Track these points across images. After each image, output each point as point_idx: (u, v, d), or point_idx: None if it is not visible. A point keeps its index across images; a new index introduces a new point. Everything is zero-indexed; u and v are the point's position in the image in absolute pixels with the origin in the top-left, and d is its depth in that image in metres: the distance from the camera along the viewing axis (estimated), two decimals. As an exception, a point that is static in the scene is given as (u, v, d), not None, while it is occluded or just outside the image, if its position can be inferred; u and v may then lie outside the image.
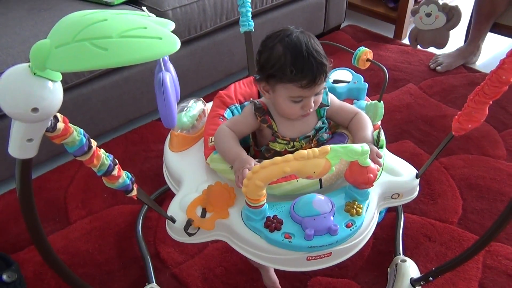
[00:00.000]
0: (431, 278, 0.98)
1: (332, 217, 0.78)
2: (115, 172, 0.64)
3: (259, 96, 1.06)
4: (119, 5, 1.51)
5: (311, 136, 0.93)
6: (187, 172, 0.93)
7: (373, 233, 1.21)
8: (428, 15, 1.92)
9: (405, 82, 1.86)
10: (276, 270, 1.08)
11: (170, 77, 0.88)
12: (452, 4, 1.91)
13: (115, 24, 0.46)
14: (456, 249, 1.18)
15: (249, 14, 1.11)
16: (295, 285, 1.11)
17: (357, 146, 0.70)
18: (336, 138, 0.95)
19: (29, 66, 0.46)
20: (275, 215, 0.79)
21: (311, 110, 0.88)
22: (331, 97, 0.96)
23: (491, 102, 0.72)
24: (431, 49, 2.06)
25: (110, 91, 1.50)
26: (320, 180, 0.84)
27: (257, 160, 0.84)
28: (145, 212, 1.31)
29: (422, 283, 1.04)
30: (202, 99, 1.06)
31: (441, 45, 1.98)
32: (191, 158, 0.96)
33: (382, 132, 0.95)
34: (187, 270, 1.15)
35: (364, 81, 1.05)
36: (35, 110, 0.45)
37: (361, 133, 0.90)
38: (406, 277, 1.05)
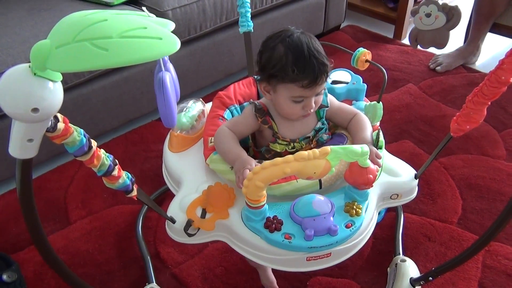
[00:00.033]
0: (430, 278, 0.98)
1: (331, 218, 0.78)
2: (115, 173, 0.64)
3: (259, 97, 1.06)
4: (119, 5, 1.51)
5: (311, 137, 0.93)
6: (187, 172, 0.93)
7: (373, 233, 1.21)
8: (428, 15, 1.93)
9: (404, 82, 1.86)
10: (275, 270, 1.08)
11: (170, 77, 0.88)
12: (452, 4, 1.91)
13: (115, 24, 0.46)
14: (455, 249, 1.19)
15: (249, 15, 1.11)
16: (295, 285, 1.11)
17: (357, 147, 0.71)
18: (336, 139, 0.95)
19: (29, 66, 0.46)
20: (275, 216, 0.79)
21: (312, 110, 0.88)
22: (330, 98, 0.97)
23: (489, 103, 0.73)
24: (431, 49, 2.06)
25: (110, 91, 1.50)
26: (320, 181, 0.84)
27: (257, 160, 0.84)
28: (145, 212, 1.31)
29: (421, 283, 1.04)
30: (201, 99, 1.06)
31: (441, 45, 1.98)
32: (190, 159, 0.96)
33: (381, 133, 0.95)
34: (187, 270, 1.16)
35: (363, 82, 1.06)
36: (35, 110, 0.46)
37: (361, 134, 0.90)
38: (405, 277, 1.05)
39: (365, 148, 0.72)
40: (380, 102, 0.95)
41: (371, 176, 0.77)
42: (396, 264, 1.09)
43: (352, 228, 0.78)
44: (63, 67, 0.45)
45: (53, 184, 1.43)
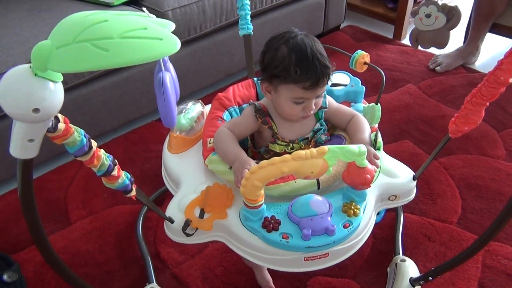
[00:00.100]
0: (430, 278, 0.99)
1: (329, 218, 0.78)
2: (114, 173, 0.64)
3: (258, 99, 1.07)
4: (119, 5, 1.51)
5: (309, 138, 0.94)
6: (186, 173, 0.93)
7: (373, 233, 1.22)
8: (428, 16, 1.93)
9: (404, 83, 1.86)
10: (275, 270, 1.08)
11: (170, 77, 0.88)
12: (452, 4, 1.92)
13: (115, 25, 0.46)
14: (455, 249, 1.19)
15: (248, 17, 1.11)
16: (295, 284, 1.11)
17: (354, 147, 0.71)
18: (334, 140, 0.95)
19: (30, 67, 0.46)
20: (273, 216, 0.79)
21: (312, 112, 0.89)
22: (329, 99, 0.97)
23: (488, 104, 0.73)
24: (431, 49, 2.06)
25: (110, 91, 1.50)
26: (318, 181, 0.84)
27: (256, 161, 0.84)
28: (145, 212, 1.31)
29: (421, 282, 1.05)
30: (200, 101, 1.07)
31: (441, 45, 1.99)
32: (189, 160, 0.96)
33: (379, 134, 0.95)
34: (187, 270, 1.16)
35: (362, 84, 1.06)
36: (36, 110, 0.46)
37: (359, 135, 0.91)
38: (405, 276, 1.05)
39: (363, 148, 0.72)
40: (379, 104, 0.95)
41: (368, 176, 0.77)
42: (396, 264, 1.09)
43: (350, 228, 0.78)
44: (64, 67, 0.45)
45: (53, 184, 1.43)
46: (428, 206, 1.31)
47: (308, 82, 0.82)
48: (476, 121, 0.76)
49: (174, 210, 0.84)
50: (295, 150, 0.91)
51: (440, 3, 1.90)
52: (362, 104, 1.04)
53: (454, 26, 1.91)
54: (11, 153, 0.51)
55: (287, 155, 0.67)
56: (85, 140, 0.57)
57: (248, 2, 1.10)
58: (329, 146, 0.68)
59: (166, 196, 1.37)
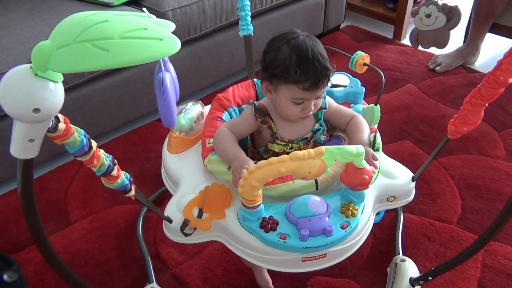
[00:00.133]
0: (430, 278, 0.99)
1: (327, 218, 0.78)
2: (114, 173, 0.65)
3: (257, 100, 1.07)
4: (119, 6, 1.51)
5: (308, 138, 0.94)
6: (185, 173, 0.94)
7: (373, 233, 1.23)
8: (428, 16, 1.93)
9: (404, 83, 1.87)
10: (274, 271, 1.08)
11: (170, 77, 0.88)
12: (452, 4, 1.92)
13: (116, 25, 0.46)
14: (455, 249, 1.19)
15: (249, 18, 1.11)
16: (295, 284, 1.11)
17: (352, 148, 0.71)
18: (333, 140, 0.96)
19: (30, 67, 0.46)
20: (271, 216, 0.79)
21: (311, 113, 0.89)
22: (329, 100, 0.98)
23: (487, 104, 0.73)
24: (430, 49, 2.06)
25: (110, 91, 1.51)
26: (316, 182, 0.84)
27: (254, 161, 0.84)
28: (145, 212, 1.31)
29: (421, 282, 1.05)
30: (200, 101, 1.07)
31: (442, 45, 1.99)
32: (189, 160, 0.96)
33: (378, 135, 0.95)
34: (187, 270, 1.16)
35: (361, 84, 1.06)
36: (36, 110, 0.46)
37: (358, 136, 0.91)
38: (405, 276, 1.05)
39: (361, 148, 0.72)
40: (378, 105, 0.95)
41: (366, 177, 0.77)
42: (396, 264, 1.10)
43: (348, 229, 0.78)
44: (64, 67, 0.45)
45: (53, 185, 1.43)
46: (428, 206, 1.31)
47: (308, 83, 0.83)
48: (475, 122, 0.76)
49: (173, 210, 0.85)
50: (294, 150, 0.92)
51: (440, 3, 1.90)
52: (362, 105, 1.04)
53: (454, 26, 1.91)
54: (12, 153, 0.51)
55: (284, 156, 0.67)
56: (85, 140, 0.57)
57: (248, 3, 1.10)
58: (327, 146, 0.69)
59: (166, 197, 1.37)
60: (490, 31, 1.92)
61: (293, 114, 0.89)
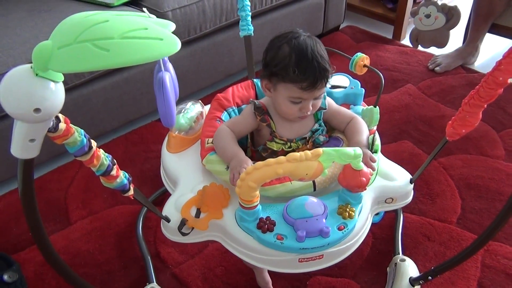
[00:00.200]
0: (430, 277, 0.99)
1: (324, 220, 0.78)
2: (113, 172, 0.65)
3: (257, 100, 1.07)
4: (119, 6, 1.51)
5: (307, 138, 0.94)
6: (183, 172, 0.94)
7: (373, 233, 1.23)
8: (428, 16, 1.93)
9: (404, 83, 1.87)
10: (274, 271, 1.09)
11: (169, 77, 0.88)
12: (451, 4, 1.92)
13: (116, 25, 0.46)
14: (455, 249, 1.19)
15: (249, 18, 1.12)
16: (295, 284, 1.12)
17: (349, 150, 0.71)
18: (332, 142, 0.96)
19: (31, 67, 0.46)
20: (268, 217, 0.79)
21: (309, 113, 0.89)
22: (329, 100, 0.98)
23: (485, 106, 0.73)
24: (430, 50, 2.07)
25: (110, 91, 1.51)
26: (314, 183, 0.84)
27: (253, 161, 0.85)
28: (146, 212, 1.32)
29: (421, 282, 1.05)
30: (200, 101, 1.07)
31: (441, 45, 1.99)
32: (188, 159, 0.97)
33: (377, 137, 0.96)
34: (187, 270, 1.16)
35: (361, 86, 1.06)
36: (37, 110, 0.46)
37: (356, 137, 0.91)
38: (405, 276, 1.05)
39: (358, 150, 0.72)
40: (377, 107, 0.96)
41: (364, 179, 0.77)
42: (396, 263, 1.10)
43: (345, 231, 0.78)
44: (65, 67, 0.45)
45: (53, 185, 1.44)
46: (428, 206, 1.31)
47: (305, 82, 0.83)
48: (473, 124, 0.76)
49: (171, 209, 0.85)
50: (293, 149, 0.92)
51: (439, 3, 1.90)
52: (361, 107, 1.04)
53: (453, 26, 1.92)
54: (12, 153, 0.52)
55: (282, 157, 0.67)
56: (85, 140, 0.58)
57: (249, 3, 1.11)
58: (324, 148, 0.69)
59: (165, 197, 1.36)
60: (489, 32, 1.93)
61: (291, 113, 0.89)
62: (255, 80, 1.09)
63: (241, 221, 0.80)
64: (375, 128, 0.97)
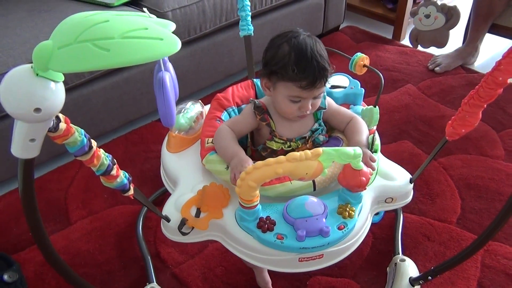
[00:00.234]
0: (430, 277, 0.99)
1: (324, 219, 0.78)
2: (113, 172, 0.65)
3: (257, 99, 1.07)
4: (119, 6, 1.51)
5: (307, 137, 0.94)
6: (183, 172, 0.94)
7: (372, 233, 1.23)
8: (427, 16, 1.93)
9: (403, 83, 1.87)
10: (274, 271, 1.09)
11: (169, 77, 0.89)
12: (451, 4, 1.92)
13: (116, 25, 0.47)
14: (455, 249, 1.19)
15: (249, 18, 1.12)
16: (295, 284, 1.12)
17: (349, 149, 0.71)
18: (331, 141, 0.96)
19: (31, 67, 0.46)
20: (268, 216, 0.79)
21: (308, 112, 0.89)
22: (329, 100, 0.98)
23: (485, 106, 0.73)
24: (430, 50, 2.07)
25: (110, 92, 1.51)
26: (314, 183, 0.85)
27: (254, 161, 0.85)
28: (146, 212, 1.32)
29: (421, 282, 1.05)
30: (200, 101, 1.07)
31: (441, 45, 1.99)
32: (187, 159, 0.97)
33: (377, 137, 0.96)
34: (187, 270, 1.16)
35: (361, 85, 1.06)
36: (37, 110, 0.46)
37: (356, 137, 0.91)
38: (405, 276, 1.06)
39: (358, 150, 0.72)
40: (377, 107, 0.96)
41: (364, 178, 0.77)
42: (396, 263, 1.10)
43: (345, 230, 0.78)
44: (65, 67, 0.45)
45: (53, 185, 1.44)
46: (428, 206, 1.31)
47: (304, 81, 0.83)
48: (473, 124, 0.76)
49: (171, 209, 0.85)
50: (292, 148, 0.92)
51: (439, 3, 1.90)
52: (361, 107, 1.04)
53: (453, 25, 1.92)
54: (13, 153, 0.52)
55: (282, 157, 0.67)
56: (85, 140, 0.58)
57: (249, 3, 1.11)
58: (324, 148, 0.69)
59: (165, 197, 1.36)
60: (489, 32, 1.93)
61: (290, 112, 0.89)
62: (255, 80, 1.09)
63: (241, 221, 0.80)
64: (374, 128, 0.97)
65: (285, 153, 0.69)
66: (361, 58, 0.98)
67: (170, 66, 0.91)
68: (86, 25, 0.46)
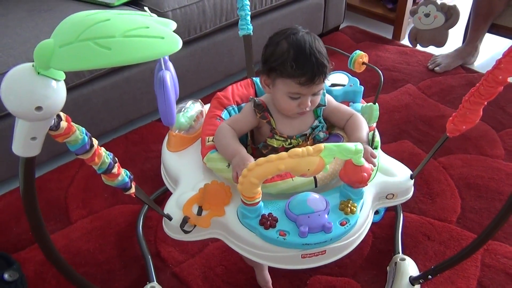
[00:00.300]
0: (430, 277, 0.99)
1: (326, 215, 0.78)
2: (114, 170, 0.65)
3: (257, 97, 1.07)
4: (120, 6, 1.52)
5: (307, 134, 0.94)
6: (184, 171, 0.94)
7: (373, 232, 1.23)
8: (427, 15, 1.93)
9: (403, 83, 1.87)
10: (275, 269, 1.09)
11: (170, 76, 0.89)
12: (450, 3, 1.92)
13: (118, 23, 0.47)
14: (454, 248, 1.19)
15: (248, 18, 1.12)
16: (295, 283, 1.12)
17: (350, 145, 0.71)
18: (332, 138, 0.96)
19: (33, 66, 0.46)
20: (270, 213, 0.79)
21: (308, 109, 0.90)
22: (328, 97, 0.98)
23: (485, 103, 0.73)
24: (430, 50, 2.07)
25: (111, 91, 1.51)
26: (315, 179, 0.85)
27: (254, 159, 0.85)
28: (146, 211, 1.32)
29: (421, 281, 1.05)
30: (200, 100, 1.07)
31: (440, 44, 1.99)
32: (188, 158, 0.97)
33: (377, 133, 0.96)
34: (187, 269, 1.16)
35: (361, 83, 1.07)
36: (39, 108, 0.46)
37: (356, 134, 0.91)
38: (405, 275, 1.06)
39: (359, 146, 0.72)
40: (376, 104, 0.96)
41: (365, 174, 0.77)
42: (396, 263, 1.10)
43: (347, 226, 0.79)
44: (67, 66, 0.45)
45: (53, 184, 1.44)
46: (428, 206, 1.31)
47: (303, 78, 0.84)
48: (474, 120, 0.76)
49: (173, 207, 0.85)
50: (293, 146, 0.92)
51: (439, 2, 1.90)
52: (361, 104, 1.04)
53: (452, 25, 1.92)
54: (14, 151, 0.52)
55: (283, 153, 0.67)
56: (86, 138, 0.58)
57: (248, 3, 1.11)
58: (325, 144, 0.69)
59: (166, 196, 1.37)
60: (489, 32, 1.93)
61: (289, 109, 0.90)
62: (254, 78, 1.09)
63: (243, 218, 0.80)
64: (374, 125, 0.97)
65: (286, 150, 0.69)
66: (360, 56, 0.98)
67: (170, 65, 0.91)
68: (88, 24, 0.46)
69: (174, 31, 0.54)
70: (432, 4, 1.91)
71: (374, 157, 0.87)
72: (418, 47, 2.09)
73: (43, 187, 1.42)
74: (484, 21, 1.87)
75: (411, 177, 0.92)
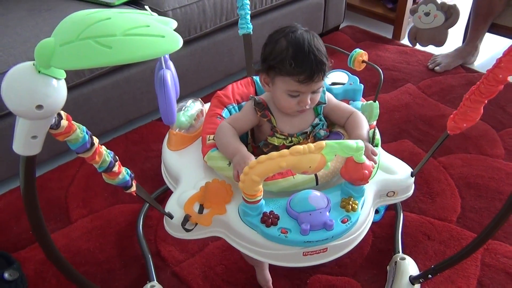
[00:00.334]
0: (430, 276, 0.99)
1: (327, 213, 0.78)
2: (115, 169, 0.65)
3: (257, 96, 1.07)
4: (120, 5, 1.52)
5: (308, 132, 0.94)
6: (185, 169, 0.94)
7: (373, 232, 1.23)
8: (427, 14, 1.94)
9: (403, 82, 1.87)
10: (276, 269, 1.09)
11: (170, 75, 0.89)
12: (450, 3, 1.93)
13: (118, 22, 0.47)
14: (454, 247, 1.19)
15: (248, 17, 1.12)
16: (295, 283, 1.12)
17: (352, 142, 0.71)
18: (332, 136, 0.96)
19: (33, 64, 0.46)
20: (272, 211, 0.79)
21: (307, 107, 0.90)
22: (328, 95, 0.98)
23: (486, 101, 0.73)
24: (430, 49, 2.07)
25: (111, 91, 1.51)
26: (316, 177, 0.85)
27: (255, 157, 0.85)
28: (146, 211, 1.32)
29: (421, 280, 1.05)
30: (200, 99, 1.07)
31: (440, 43, 1.99)
32: (189, 156, 0.97)
33: (377, 131, 0.96)
34: (188, 268, 1.16)
35: (360, 82, 1.07)
36: (39, 107, 0.46)
37: (357, 132, 0.92)
38: (405, 275, 1.06)
39: (360, 143, 0.72)
40: (377, 102, 0.96)
41: (366, 172, 0.77)
42: (396, 262, 1.10)
43: (348, 223, 0.79)
44: (67, 64, 0.45)
45: (54, 183, 1.44)
46: (428, 205, 1.32)
47: (302, 75, 0.84)
48: (474, 118, 0.76)
49: (174, 205, 0.85)
50: (294, 144, 0.92)
51: (439, 1, 1.91)
52: (361, 102, 1.04)
53: (452, 24, 1.92)
54: (14, 150, 0.52)
55: (285, 150, 0.67)
56: (87, 137, 0.58)
57: (248, 2, 1.11)
58: (327, 141, 0.69)
59: (166, 195, 1.37)
60: (489, 31, 1.93)
61: (289, 107, 0.90)
62: (254, 77, 1.09)
63: (244, 216, 0.80)
64: (374, 123, 0.98)
65: (286, 148, 0.69)
66: (360, 54, 0.98)
67: (171, 64, 0.92)
68: (88, 23, 0.46)
69: (174, 30, 0.54)
70: (432, 3, 1.91)
71: (375, 154, 0.87)
72: (418, 47, 2.10)
73: (43, 186, 1.42)
74: (484, 20, 1.87)
75: (412, 175, 0.92)
